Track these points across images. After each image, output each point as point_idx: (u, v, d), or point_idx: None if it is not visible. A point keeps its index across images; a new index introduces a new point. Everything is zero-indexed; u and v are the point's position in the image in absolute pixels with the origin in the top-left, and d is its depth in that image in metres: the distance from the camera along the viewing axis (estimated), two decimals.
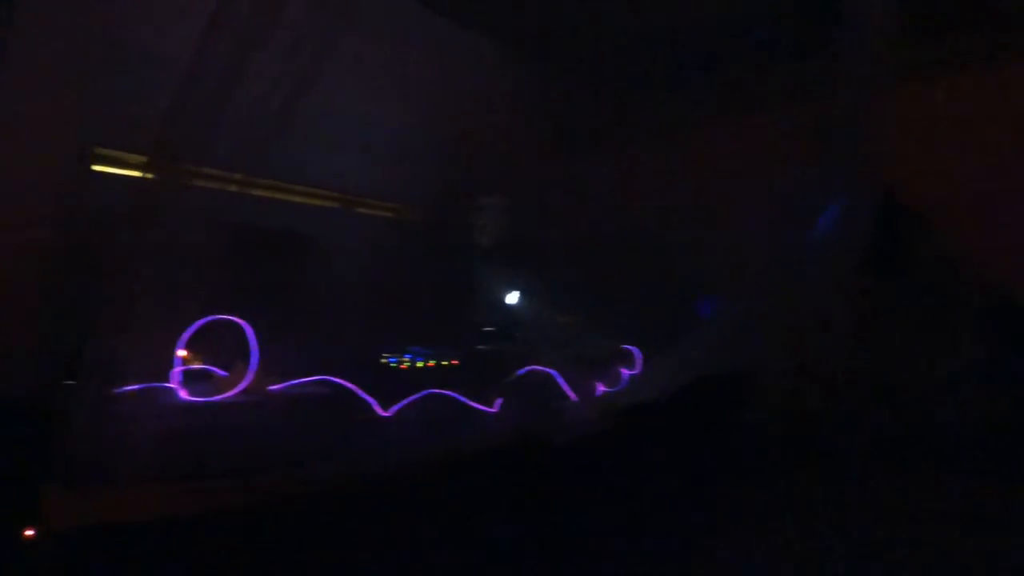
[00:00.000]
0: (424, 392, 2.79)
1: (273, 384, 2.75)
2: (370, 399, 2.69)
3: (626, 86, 5.85)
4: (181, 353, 2.50)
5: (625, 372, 3.73)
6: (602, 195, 5.66)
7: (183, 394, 2.48)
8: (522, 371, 3.27)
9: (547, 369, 3.27)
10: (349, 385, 2.73)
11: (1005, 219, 4.75)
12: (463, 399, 2.88)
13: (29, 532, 1.60)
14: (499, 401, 2.97)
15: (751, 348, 3.99)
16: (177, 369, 2.49)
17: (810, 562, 3.05)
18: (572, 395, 3.21)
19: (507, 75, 5.18)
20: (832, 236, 4.05)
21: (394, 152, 4.65)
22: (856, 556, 3.10)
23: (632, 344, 4.00)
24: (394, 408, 2.70)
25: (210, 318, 2.53)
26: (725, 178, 5.54)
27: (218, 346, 2.66)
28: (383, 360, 3.25)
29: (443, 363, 3.24)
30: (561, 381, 3.23)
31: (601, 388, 3.44)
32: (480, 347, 3.51)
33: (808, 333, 4.76)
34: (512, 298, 4.11)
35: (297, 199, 4.68)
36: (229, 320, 2.60)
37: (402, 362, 3.22)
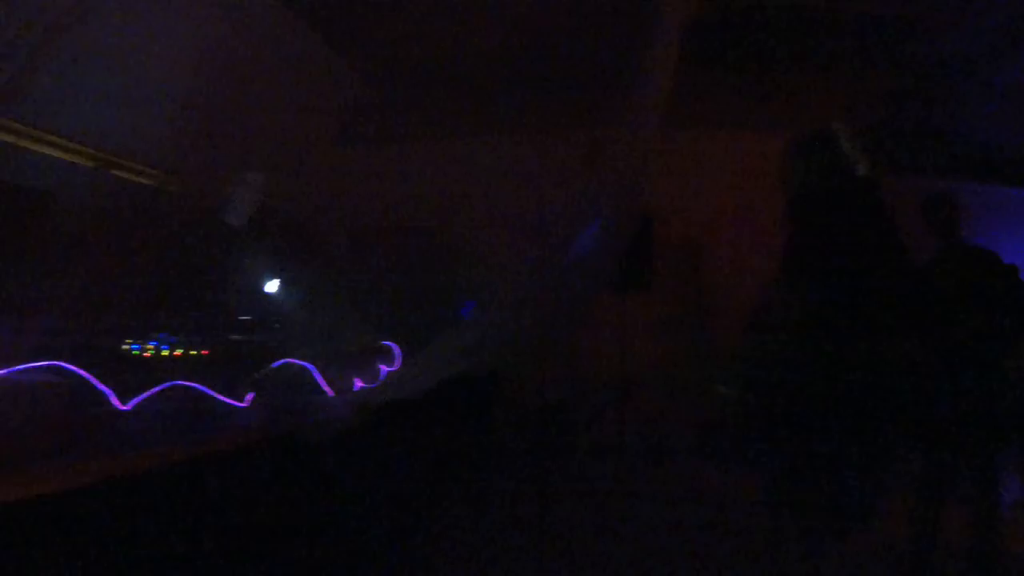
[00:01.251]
0: (168, 383, 2.62)
1: None
2: (106, 390, 2.48)
3: (421, 86, 5.88)
4: None
5: (384, 368, 3.75)
6: (378, 189, 5.65)
7: None
8: (276, 364, 3.18)
9: (303, 363, 3.23)
10: (83, 373, 2.47)
11: (748, 249, 5.53)
12: (211, 392, 2.74)
13: None
14: (250, 396, 2.87)
15: (507, 348, 4.23)
16: None
17: (561, 549, 3.37)
18: (328, 391, 3.20)
19: (298, 54, 4.98)
20: (589, 251, 4.41)
21: (161, 114, 4.25)
22: (602, 541, 3.48)
23: (392, 340, 4.03)
24: (134, 401, 2.51)
25: None
26: (499, 187, 5.80)
27: None
28: (125, 346, 3.00)
29: (192, 352, 3.02)
30: (317, 376, 3.20)
31: (359, 384, 3.44)
32: (233, 336, 3.33)
33: (560, 336, 5.21)
34: (271, 286, 3.95)
35: (38, 149, 4.07)
36: None
37: (146, 349, 2.98)
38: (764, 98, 5.91)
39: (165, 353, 2.94)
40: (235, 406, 2.79)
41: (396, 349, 3.98)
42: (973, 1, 4.28)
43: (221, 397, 2.76)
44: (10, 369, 2.40)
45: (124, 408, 2.48)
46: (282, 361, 3.20)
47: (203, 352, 3.04)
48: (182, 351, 2.98)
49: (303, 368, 3.20)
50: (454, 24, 5.00)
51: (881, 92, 5.48)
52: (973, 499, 3.28)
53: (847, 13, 4.51)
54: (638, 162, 4.55)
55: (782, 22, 4.60)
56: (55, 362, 2.49)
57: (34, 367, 2.46)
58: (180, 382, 2.66)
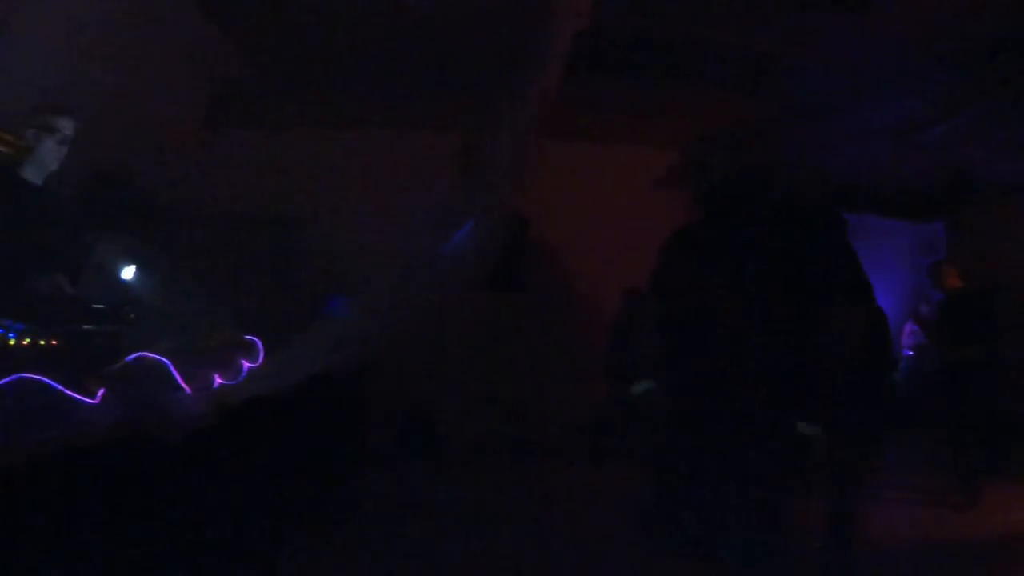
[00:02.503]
0: (13, 376, 2.43)
1: None
2: None
3: (301, 71, 5.69)
4: None
5: (246, 365, 3.65)
6: (248, 175, 5.43)
7: None
8: (131, 358, 3.01)
9: (159, 357, 3.09)
10: None
11: (617, 255, 5.79)
12: (59, 387, 2.56)
13: None
14: (102, 391, 2.71)
15: (375, 346, 4.24)
16: None
17: (427, 549, 3.43)
18: (186, 387, 3.08)
19: (170, 18, 4.66)
20: (461, 250, 4.50)
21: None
22: (470, 541, 3.57)
23: (255, 335, 3.92)
24: None
25: None
26: (373, 181, 5.77)
27: None
28: None
29: (40, 342, 2.79)
30: (174, 371, 3.07)
31: (218, 381, 3.35)
32: (85, 326, 3.12)
33: (430, 335, 5.27)
34: (127, 273, 3.73)
35: None
36: None
37: None
38: (642, 114, 6.27)
39: (12, 343, 2.68)
40: (85, 402, 2.60)
41: (259, 344, 3.88)
42: (838, 46, 4.73)
43: (70, 392, 2.56)
44: None
45: None
46: (137, 354, 3.04)
47: (52, 342, 2.80)
48: (29, 340, 2.73)
49: (159, 363, 3.05)
50: (342, 8, 4.92)
51: (749, 118, 5.92)
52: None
53: (727, 44, 4.85)
54: (516, 165, 4.70)
55: (665, 43, 4.86)
56: None
57: None
58: (26, 374, 2.46)
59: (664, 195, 5.68)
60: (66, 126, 3.40)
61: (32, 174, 3.38)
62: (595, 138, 6.65)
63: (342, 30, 5.09)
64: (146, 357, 3.06)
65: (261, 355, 3.84)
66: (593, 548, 3.73)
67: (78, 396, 2.59)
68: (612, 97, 5.99)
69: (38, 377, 2.50)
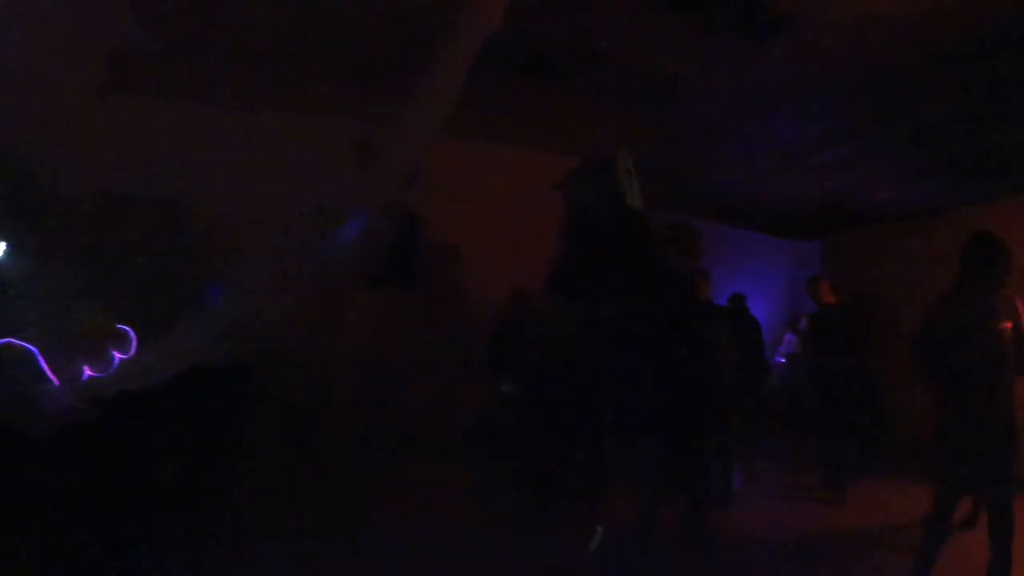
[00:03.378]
0: None
1: None
2: None
3: (203, 44, 5.41)
4: None
5: (117, 355, 3.56)
6: (130, 151, 5.14)
7: None
8: None
9: (26, 345, 2.99)
10: None
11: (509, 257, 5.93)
12: None
13: None
14: None
15: (256, 339, 4.19)
16: None
17: (308, 547, 3.45)
18: (53, 378, 3.00)
19: None
20: (350, 244, 4.51)
21: None
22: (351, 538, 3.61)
23: (127, 324, 3.81)
24: None
25: None
26: (263, 168, 5.61)
27: None
28: None
29: None
30: (41, 361, 2.99)
31: (88, 373, 3.26)
32: None
33: (315, 329, 5.23)
34: None
35: None
36: None
37: None
38: (541, 120, 6.46)
39: None
40: None
41: (131, 334, 3.78)
42: (738, 73, 5.08)
43: None
44: None
45: None
46: (2, 342, 2.93)
47: None
48: None
49: (26, 351, 2.96)
50: None
51: (648, 134, 6.23)
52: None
53: (630, 61, 5.05)
54: (413, 161, 4.74)
55: (570, 53, 5.00)
56: None
57: None
58: None
59: (558, 199, 5.90)
60: None
61: None
62: (493, 139, 6.79)
63: (246, 5, 4.94)
64: (12, 344, 2.95)
65: (134, 346, 3.74)
66: (466, 548, 3.87)
67: None
68: (513, 100, 6.10)
69: None
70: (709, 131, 6.26)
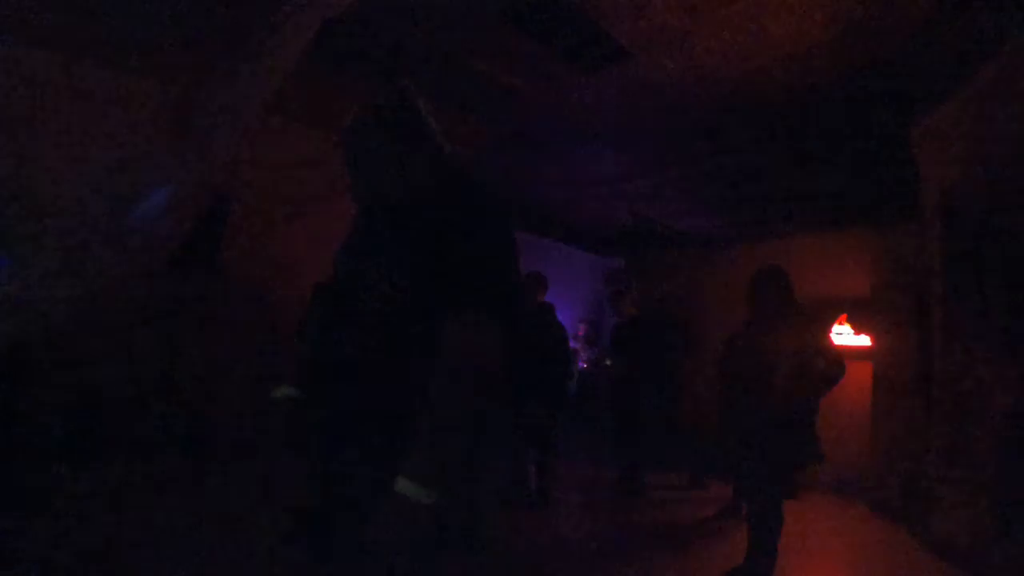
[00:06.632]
0: None
1: None
2: None
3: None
4: None
5: None
6: None
7: None
8: None
9: None
10: None
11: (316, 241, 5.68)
12: None
13: None
14: None
15: (35, 323, 3.81)
16: None
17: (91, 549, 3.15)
18: None
19: None
20: (148, 222, 4.17)
21: None
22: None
23: None
24: None
25: None
26: (66, 121, 5.01)
27: None
28: None
29: None
30: None
31: None
32: None
33: (106, 314, 4.76)
34: None
35: None
36: None
37: None
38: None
39: None
40: None
41: None
42: (572, 97, 5.31)
43: None
44: None
45: None
46: None
47: None
48: None
49: None
50: None
51: (483, 133, 6.33)
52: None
53: (471, 67, 5.11)
54: (228, 140, 4.48)
55: (405, 49, 4.95)
56: None
57: None
58: None
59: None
60: None
61: None
62: (315, 124, 6.54)
63: None
64: None
65: None
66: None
67: None
68: (344, 88, 5.94)
69: None
70: (536, 146, 6.54)
